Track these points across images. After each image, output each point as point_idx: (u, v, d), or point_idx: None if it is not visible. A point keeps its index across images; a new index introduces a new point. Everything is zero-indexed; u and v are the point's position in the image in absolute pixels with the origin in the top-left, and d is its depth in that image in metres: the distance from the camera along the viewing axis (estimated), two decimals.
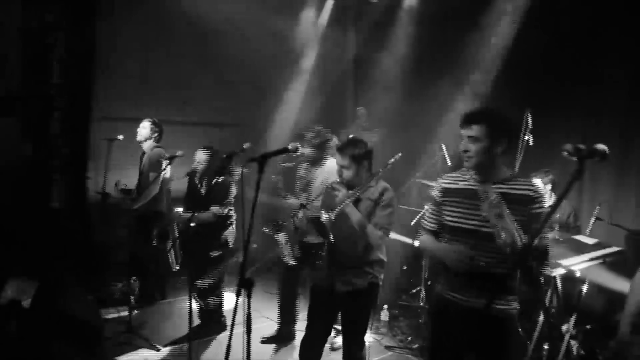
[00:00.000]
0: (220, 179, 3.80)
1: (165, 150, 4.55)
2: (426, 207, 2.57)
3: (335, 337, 3.88)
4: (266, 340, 4.08)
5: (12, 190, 4.41)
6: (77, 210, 4.86)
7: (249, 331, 2.08)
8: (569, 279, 3.50)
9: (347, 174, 2.88)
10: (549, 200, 4.07)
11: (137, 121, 4.76)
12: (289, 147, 2.38)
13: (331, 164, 3.80)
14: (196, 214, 3.74)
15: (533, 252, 2.08)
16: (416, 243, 2.69)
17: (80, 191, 4.92)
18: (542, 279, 3.69)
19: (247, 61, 6.38)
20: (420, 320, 4.44)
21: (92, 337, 3.60)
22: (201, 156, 4.03)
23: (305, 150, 3.67)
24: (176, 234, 4.10)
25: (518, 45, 5.22)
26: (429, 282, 4.60)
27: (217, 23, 6.10)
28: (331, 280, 2.92)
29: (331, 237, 2.81)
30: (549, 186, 4.09)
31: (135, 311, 4.33)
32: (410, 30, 6.50)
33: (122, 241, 5.01)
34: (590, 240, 3.69)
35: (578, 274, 3.35)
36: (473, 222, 2.22)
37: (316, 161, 3.82)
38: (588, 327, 3.61)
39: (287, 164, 4.39)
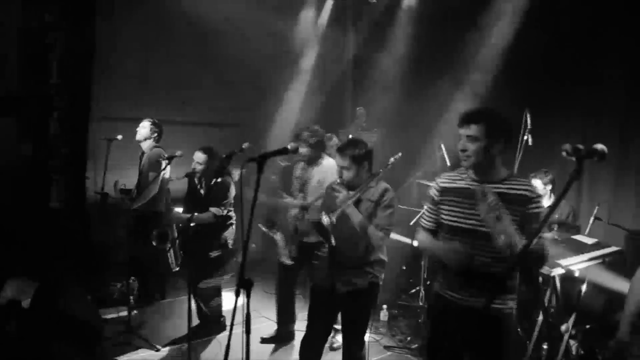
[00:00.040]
0: (220, 179, 3.80)
1: (165, 150, 4.55)
2: (425, 206, 2.57)
3: (334, 336, 3.88)
4: (265, 340, 4.08)
5: (11, 190, 4.40)
6: (76, 211, 4.85)
7: (248, 331, 2.08)
8: (568, 278, 3.50)
9: (348, 174, 2.88)
10: (549, 200, 4.07)
11: (137, 121, 4.76)
12: (289, 147, 2.39)
13: (328, 163, 3.80)
14: (195, 214, 3.74)
15: (531, 254, 2.08)
16: (415, 243, 2.70)
17: (79, 191, 4.91)
18: (541, 279, 3.69)
19: (247, 61, 6.39)
20: (419, 320, 4.44)
21: (92, 337, 3.60)
22: (199, 157, 4.03)
23: (302, 150, 3.67)
24: (175, 235, 4.10)
25: (517, 45, 5.23)
26: (428, 282, 4.60)
27: (217, 23, 6.11)
28: (332, 280, 2.92)
29: (332, 241, 2.82)
30: (549, 186, 4.10)
31: (135, 311, 4.33)
32: (410, 30, 6.51)
33: (122, 241, 5.01)
34: (589, 240, 3.69)
35: (577, 274, 3.35)
36: (470, 222, 2.23)
37: (313, 160, 3.82)
38: (587, 326, 3.61)
39: (284, 163, 4.39)
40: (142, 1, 5.64)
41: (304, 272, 4.02)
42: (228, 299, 4.43)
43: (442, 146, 4.74)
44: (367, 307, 2.97)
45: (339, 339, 3.77)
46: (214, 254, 4.03)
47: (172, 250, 4.06)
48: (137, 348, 3.87)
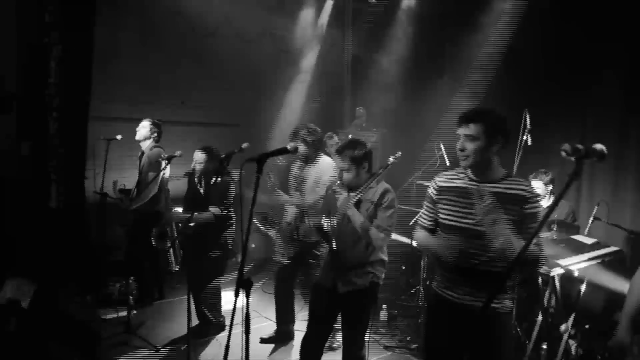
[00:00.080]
0: (219, 179, 3.80)
1: (164, 150, 4.55)
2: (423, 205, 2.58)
3: (334, 336, 3.89)
4: (264, 341, 4.08)
5: (10, 190, 4.40)
6: (75, 211, 4.85)
7: (247, 331, 2.08)
8: (567, 278, 3.50)
9: (347, 176, 2.88)
10: (549, 200, 4.07)
11: (136, 121, 4.76)
12: (288, 147, 2.39)
13: (324, 161, 3.80)
14: (195, 214, 3.73)
15: (527, 257, 2.09)
16: (414, 243, 2.70)
17: (78, 191, 4.91)
18: (540, 279, 3.69)
19: (247, 61, 6.40)
20: (419, 320, 4.44)
21: (90, 338, 3.60)
22: (199, 156, 4.03)
23: (299, 147, 3.67)
24: (175, 234, 4.10)
25: (516, 45, 5.23)
26: (427, 282, 4.60)
27: (217, 23, 6.11)
28: (333, 280, 2.92)
29: (334, 244, 2.82)
30: (550, 186, 4.11)
31: (134, 311, 4.33)
32: (409, 30, 6.51)
33: (121, 241, 5.01)
34: (588, 240, 3.69)
35: (576, 274, 3.35)
36: (468, 221, 2.24)
37: (310, 159, 3.81)
38: (586, 326, 3.62)
39: (280, 162, 4.39)
40: (142, 1, 5.64)
41: (303, 272, 4.02)
42: (228, 299, 4.43)
43: (442, 146, 4.74)
44: (368, 306, 2.97)
45: (338, 338, 3.77)
46: (214, 254, 4.02)
47: (172, 250, 4.06)
48: (136, 348, 3.87)
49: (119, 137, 4.67)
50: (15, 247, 4.25)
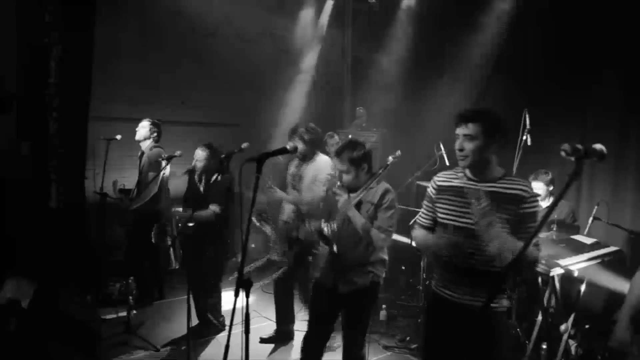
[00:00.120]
0: (220, 177, 3.79)
1: (164, 150, 4.55)
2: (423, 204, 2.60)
3: (334, 336, 3.88)
4: (264, 341, 4.08)
5: (10, 190, 4.40)
6: (75, 210, 4.85)
7: (247, 331, 2.08)
8: (567, 278, 3.50)
9: (347, 177, 2.87)
10: (549, 200, 4.07)
11: (136, 121, 4.77)
12: (288, 147, 2.39)
13: (321, 159, 3.80)
14: (196, 212, 3.73)
15: (525, 258, 2.09)
16: (414, 243, 2.71)
17: (78, 191, 4.91)
18: (540, 279, 3.69)
19: (247, 61, 6.39)
20: (419, 320, 4.44)
21: (90, 338, 3.60)
22: (200, 154, 4.03)
23: (297, 144, 3.66)
24: (175, 232, 4.10)
25: (516, 45, 5.23)
26: (427, 282, 4.60)
27: (217, 23, 6.11)
28: (333, 280, 2.92)
29: (335, 248, 2.81)
30: (551, 187, 4.11)
31: (134, 311, 4.33)
32: (409, 30, 6.51)
33: (121, 241, 5.01)
34: (588, 240, 3.70)
35: (576, 274, 3.35)
36: (465, 220, 2.25)
37: (307, 157, 3.81)
38: (586, 326, 3.62)
39: (281, 159, 4.38)
40: (142, 1, 5.64)
41: (302, 272, 4.01)
42: (227, 299, 4.43)
43: (442, 146, 4.74)
44: (368, 306, 2.98)
45: (338, 338, 3.76)
46: (213, 253, 4.02)
47: (172, 248, 4.06)
48: (136, 348, 3.87)
49: (119, 137, 4.67)
50: (15, 247, 4.24)
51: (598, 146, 1.43)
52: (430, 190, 2.46)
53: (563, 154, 1.45)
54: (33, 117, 4.60)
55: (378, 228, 2.78)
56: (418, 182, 4.86)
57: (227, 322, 4.24)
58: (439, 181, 2.43)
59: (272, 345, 4.06)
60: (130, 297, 4.21)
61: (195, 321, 4.09)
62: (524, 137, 3.94)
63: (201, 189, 4.06)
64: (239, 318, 2.09)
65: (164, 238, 4.06)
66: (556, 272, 3.32)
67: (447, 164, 4.56)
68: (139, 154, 4.79)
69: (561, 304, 3.59)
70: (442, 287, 2.38)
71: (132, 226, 4.72)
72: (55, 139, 4.66)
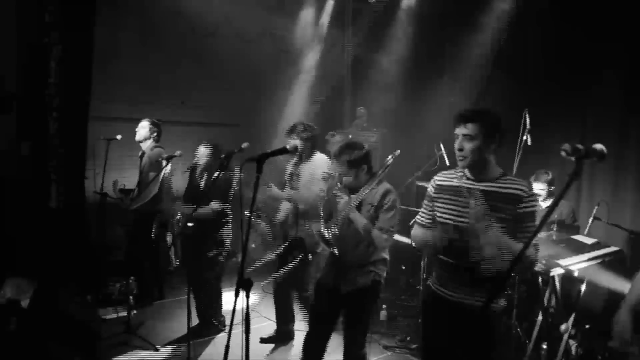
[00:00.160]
0: (221, 174, 3.79)
1: (165, 150, 4.55)
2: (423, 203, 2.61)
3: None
4: (264, 340, 4.08)
5: (10, 190, 4.40)
6: (75, 211, 4.85)
7: (247, 331, 2.08)
8: (567, 278, 3.50)
9: (347, 179, 2.87)
10: (550, 200, 4.07)
11: (136, 121, 4.76)
12: (288, 147, 2.39)
13: (319, 157, 3.79)
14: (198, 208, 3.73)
15: (525, 260, 2.10)
16: (412, 242, 2.72)
17: (78, 191, 4.91)
18: (540, 279, 3.69)
19: (247, 61, 6.39)
20: (419, 320, 4.44)
21: (90, 338, 3.60)
22: (203, 150, 4.04)
23: (295, 142, 3.66)
24: (176, 229, 4.09)
25: (516, 45, 5.23)
26: (427, 282, 4.59)
27: (217, 23, 6.11)
28: (334, 280, 2.93)
29: (336, 251, 2.81)
30: (552, 187, 4.12)
31: (134, 311, 4.33)
32: (409, 30, 6.50)
33: (121, 241, 5.01)
34: (588, 240, 3.70)
35: (577, 274, 3.35)
36: (463, 219, 2.25)
37: (304, 155, 3.80)
38: (587, 326, 3.62)
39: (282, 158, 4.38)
40: (142, 1, 5.64)
41: (299, 270, 4.00)
42: (228, 299, 4.43)
43: (442, 146, 4.74)
44: (369, 306, 2.98)
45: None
46: (212, 253, 4.03)
47: (172, 246, 4.06)
48: (136, 348, 3.87)
49: (119, 137, 4.66)
50: (15, 247, 4.25)
51: (598, 146, 1.43)
52: (430, 190, 2.48)
53: (563, 154, 1.45)
54: (33, 117, 4.60)
55: (380, 229, 2.78)
56: (418, 182, 4.86)
57: (228, 322, 4.24)
58: (439, 181, 2.44)
59: (272, 345, 4.06)
60: (131, 297, 4.21)
61: (195, 321, 4.10)
62: (525, 137, 3.94)
63: (201, 185, 4.06)
64: (239, 318, 2.09)
65: (164, 234, 4.05)
66: (556, 272, 3.32)
67: (448, 164, 4.56)
68: (140, 154, 4.79)
69: (561, 304, 3.59)
70: (439, 285, 2.40)
71: (132, 226, 4.72)
72: (55, 139, 4.66)
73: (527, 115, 3.95)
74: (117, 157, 5.06)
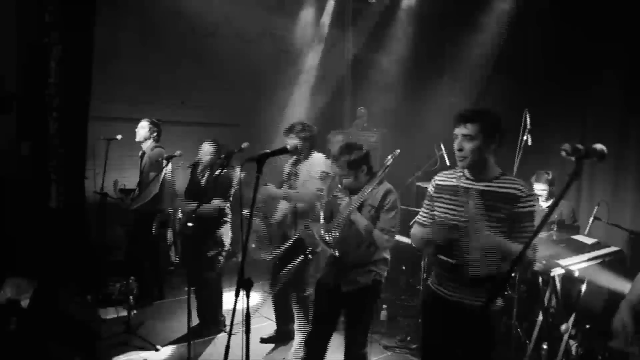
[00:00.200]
0: (224, 171, 3.79)
1: (165, 150, 4.55)
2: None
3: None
4: (265, 340, 4.08)
5: (10, 190, 4.40)
6: (75, 210, 4.85)
7: (247, 331, 2.08)
8: (568, 278, 3.50)
9: (347, 181, 2.87)
10: (550, 201, 4.07)
11: (136, 121, 4.76)
12: (288, 147, 2.39)
13: (316, 157, 3.79)
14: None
15: (524, 260, 2.11)
16: (411, 241, 2.72)
17: (78, 191, 4.91)
18: (540, 279, 3.69)
19: (247, 61, 6.39)
20: (419, 320, 4.43)
21: (90, 338, 3.60)
22: (207, 148, 4.05)
23: (293, 141, 3.66)
24: (177, 225, 4.09)
25: (516, 45, 5.23)
26: (427, 282, 4.59)
27: (217, 23, 6.11)
28: (335, 280, 2.93)
29: (336, 252, 2.81)
30: (553, 187, 4.11)
31: (134, 311, 4.33)
32: (409, 30, 6.50)
33: (121, 241, 5.01)
34: (589, 240, 3.70)
35: (577, 274, 3.35)
36: (460, 219, 2.26)
37: (302, 155, 3.79)
38: (587, 326, 3.61)
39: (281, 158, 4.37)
40: (142, 1, 5.64)
41: (298, 271, 3.99)
42: (228, 299, 4.43)
43: (442, 146, 4.74)
44: (369, 305, 2.98)
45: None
46: (211, 253, 4.03)
47: (173, 244, 4.06)
48: (136, 348, 3.87)
49: (119, 137, 4.66)
50: (15, 247, 4.24)
51: (599, 146, 1.43)
52: (430, 189, 2.49)
53: (563, 153, 1.45)
54: (33, 117, 4.60)
55: (381, 229, 2.78)
56: (418, 183, 4.86)
57: (228, 322, 4.24)
58: (439, 180, 2.46)
59: (272, 345, 4.06)
60: (131, 297, 4.21)
61: (195, 321, 4.10)
62: (525, 137, 3.94)
63: (202, 182, 4.07)
64: (239, 318, 2.09)
65: (165, 233, 4.05)
66: (557, 272, 3.32)
67: (448, 164, 4.56)
68: (140, 154, 4.79)
69: (562, 304, 3.59)
70: (437, 284, 2.41)
71: (132, 226, 4.72)
72: (55, 139, 4.66)
73: (527, 115, 3.95)
74: (117, 157, 5.06)
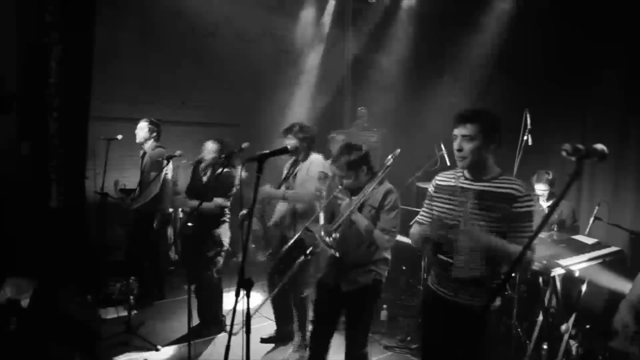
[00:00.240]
0: (225, 169, 3.79)
1: (166, 150, 4.55)
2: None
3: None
4: (265, 340, 4.08)
5: (10, 190, 4.40)
6: (75, 210, 4.85)
7: (248, 331, 2.08)
8: (568, 278, 3.50)
9: (347, 181, 2.87)
10: (551, 201, 4.07)
11: (136, 121, 4.76)
12: (288, 147, 2.38)
13: (314, 158, 3.78)
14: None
15: (523, 261, 2.11)
16: (410, 240, 2.73)
17: (78, 191, 4.91)
18: (540, 279, 3.69)
19: (247, 61, 6.39)
20: (419, 320, 4.43)
21: (90, 338, 3.60)
22: (210, 146, 4.05)
23: (291, 142, 3.66)
24: (177, 223, 4.09)
25: (517, 45, 5.23)
26: (427, 282, 4.60)
27: (217, 23, 6.11)
28: (335, 280, 2.93)
29: (337, 254, 2.82)
30: (553, 187, 4.11)
31: (135, 311, 4.33)
32: (410, 30, 6.50)
33: (121, 241, 5.01)
34: (589, 240, 3.70)
35: (577, 274, 3.35)
36: (458, 219, 2.26)
37: (301, 156, 3.79)
38: (587, 327, 3.62)
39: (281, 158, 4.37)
40: (142, 1, 5.64)
41: (298, 272, 3.98)
42: (228, 299, 4.43)
43: (442, 146, 4.74)
44: (370, 304, 2.99)
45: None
46: (211, 253, 4.02)
47: (173, 244, 4.06)
48: (136, 348, 3.87)
49: (119, 137, 4.66)
50: (15, 247, 4.24)
51: (599, 146, 1.43)
52: (430, 189, 2.50)
53: (564, 154, 1.45)
54: (33, 117, 4.60)
55: (381, 230, 2.78)
56: (418, 183, 4.86)
57: (228, 322, 4.23)
58: (439, 180, 2.47)
59: (272, 345, 4.05)
60: (131, 297, 4.21)
61: (196, 321, 4.09)
62: (525, 137, 3.94)
63: (203, 180, 4.07)
64: (239, 318, 2.08)
65: (165, 233, 4.05)
66: (557, 272, 3.32)
67: (448, 164, 4.56)
68: (141, 153, 4.79)
69: (562, 304, 3.59)
70: (436, 284, 2.42)
71: (132, 226, 4.72)
72: (55, 139, 4.66)
73: (527, 115, 3.95)
74: (118, 157, 5.06)
